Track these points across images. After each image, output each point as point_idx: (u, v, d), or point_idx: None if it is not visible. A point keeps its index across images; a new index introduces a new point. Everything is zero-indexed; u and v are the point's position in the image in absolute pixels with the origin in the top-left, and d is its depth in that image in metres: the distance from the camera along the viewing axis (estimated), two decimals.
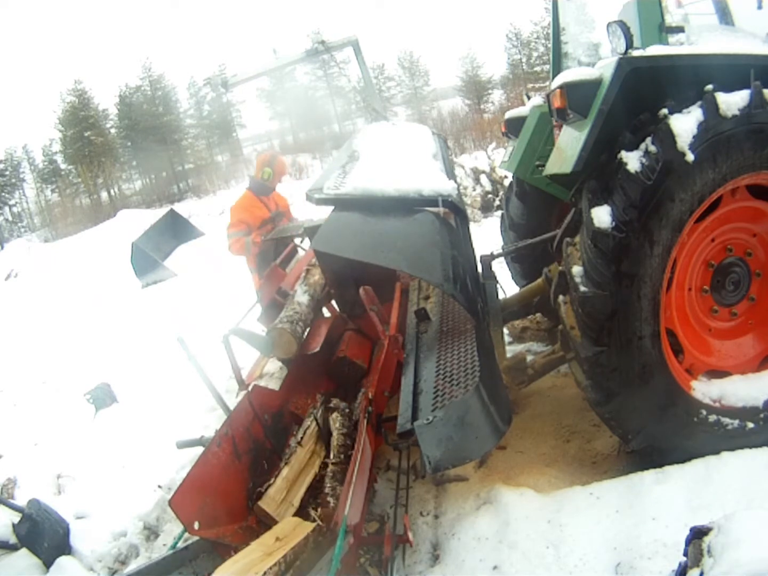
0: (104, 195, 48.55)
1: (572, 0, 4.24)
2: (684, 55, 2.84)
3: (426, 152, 3.29)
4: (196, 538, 2.31)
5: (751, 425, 2.80)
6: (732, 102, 2.58)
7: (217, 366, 4.07)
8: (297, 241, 5.03)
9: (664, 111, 2.62)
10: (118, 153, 49.89)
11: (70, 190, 49.14)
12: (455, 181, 3.05)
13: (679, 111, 2.61)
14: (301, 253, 4.96)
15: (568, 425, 3.58)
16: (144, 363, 6.60)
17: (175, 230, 13.59)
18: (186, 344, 2.97)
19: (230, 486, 2.54)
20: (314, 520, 2.37)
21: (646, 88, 2.69)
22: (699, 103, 2.60)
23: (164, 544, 3.35)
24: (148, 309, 9.48)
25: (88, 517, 3.72)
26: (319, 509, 2.49)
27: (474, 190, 12.30)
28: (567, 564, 2.41)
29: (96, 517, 3.69)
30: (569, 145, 2.89)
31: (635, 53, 2.72)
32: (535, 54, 48.43)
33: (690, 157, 2.54)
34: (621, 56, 2.68)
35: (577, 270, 2.70)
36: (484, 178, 12.60)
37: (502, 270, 4.61)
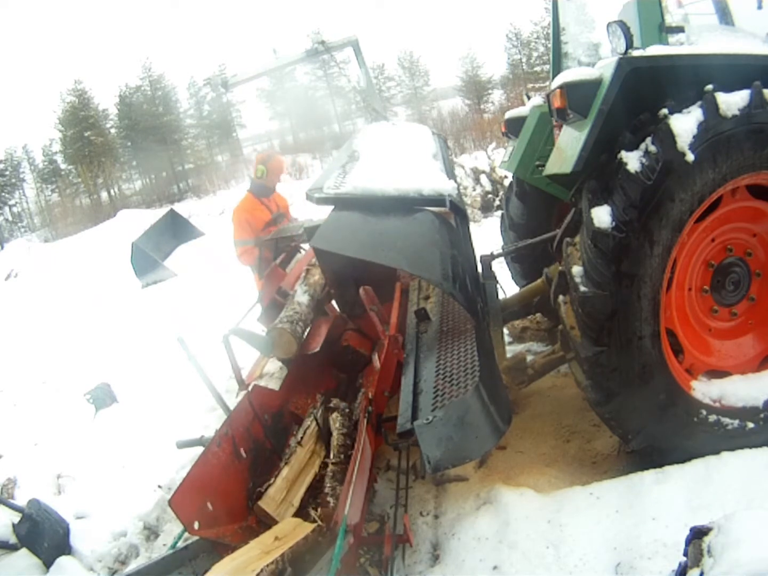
0: (104, 195, 48.60)
1: (572, 0, 4.24)
2: (684, 55, 2.84)
3: (426, 152, 3.29)
4: (195, 537, 2.31)
5: (751, 425, 2.80)
6: (732, 102, 2.58)
7: (217, 366, 4.07)
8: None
9: (664, 111, 2.62)
10: (118, 153, 49.93)
11: (70, 190, 49.18)
12: (455, 181, 3.04)
13: (679, 111, 2.61)
14: (302, 253, 4.95)
15: (568, 425, 3.58)
16: (144, 363, 6.59)
17: (175, 230, 13.58)
18: (186, 344, 2.97)
19: (230, 486, 2.55)
20: (314, 520, 2.38)
21: (646, 88, 2.69)
22: (699, 103, 2.60)
23: (164, 544, 3.35)
24: (148, 309, 9.47)
25: (88, 517, 3.72)
26: (319, 509, 2.49)
27: (474, 190, 12.30)
28: (567, 564, 2.41)
29: (96, 517, 3.69)
30: (569, 145, 2.89)
31: (635, 53, 2.72)
32: (535, 54, 48.47)
33: (690, 157, 2.54)
34: (621, 56, 2.68)
35: (577, 270, 2.70)
36: (484, 178, 12.60)
37: (502, 270, 4.61)
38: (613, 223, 2.56)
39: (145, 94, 49.87)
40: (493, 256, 3.66)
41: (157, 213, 17.99)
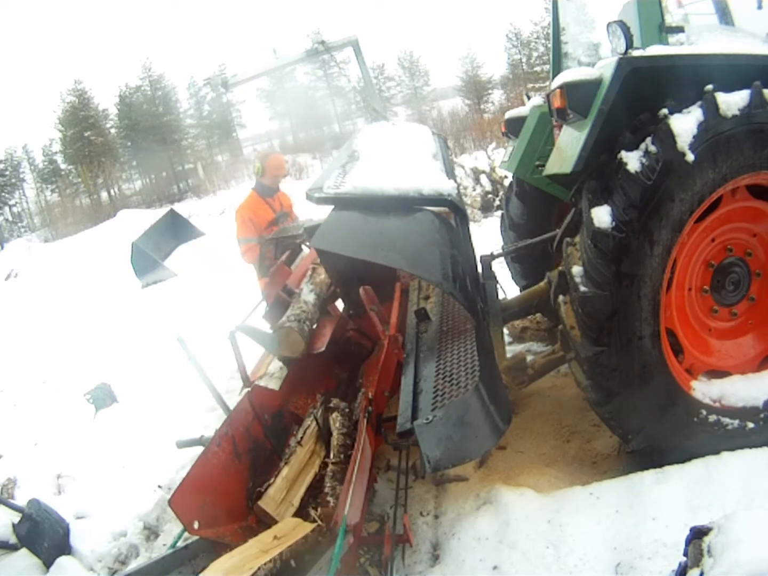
0: (104, 195, 48.58)
1: (572, 0, 4.24)
2: (684, 55, 2.84)
3: (426, 152, 3.28)
4: (195, 537, 2.31)
5: (751, 425, 2.80)
6: (732, 102, 2.58)
7: (217, 366, 4.08)
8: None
9: (664, 111, 2.62)
10: (118, 153, 49.92)
11: (70, 190, 49.17)
12: (455, 181, 3.04)
13: (679, 111, 2.61)
14: (305, 251, 4.93)
15: (568, 425, 3.58)
16: (144, 363, 6.59)
17: (175, 230, 13.62)
18: (186, 344, 2.98)
19: (230, 486, 2.54)
20: (314, 520, 2.37)
21: (646, 88, 2.69)
22: (699, 103, 2.60)
23: (164, 544, 3.35)
24: (148, 309, 9.48)
25: (88, 517, 3.72)
26: (319, 509, 2.48)
27: (474, 190, 12.30)
28: (567, 564, 2.41)
29: (96, 517, 3.69)
30: (569, 145, 2.89)
31: (635, 53, 2.72)
32: (535, 54, 48.47)
33: (690, 157, 2.54)
34: (621, 56, 2.68)
35: (577, 270, 2.70)
36: (484, 178, 12.60)
37: (502, 270, 4.60)
38: (613, 223, 2.56)
39: (145, 94, 49.86)
40: (493, 256, 3.66)
41: (157, 213, 18.02)
